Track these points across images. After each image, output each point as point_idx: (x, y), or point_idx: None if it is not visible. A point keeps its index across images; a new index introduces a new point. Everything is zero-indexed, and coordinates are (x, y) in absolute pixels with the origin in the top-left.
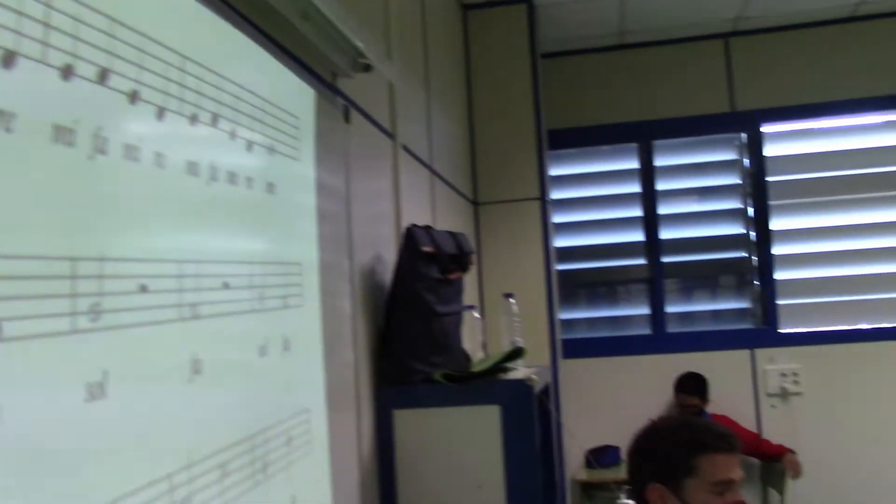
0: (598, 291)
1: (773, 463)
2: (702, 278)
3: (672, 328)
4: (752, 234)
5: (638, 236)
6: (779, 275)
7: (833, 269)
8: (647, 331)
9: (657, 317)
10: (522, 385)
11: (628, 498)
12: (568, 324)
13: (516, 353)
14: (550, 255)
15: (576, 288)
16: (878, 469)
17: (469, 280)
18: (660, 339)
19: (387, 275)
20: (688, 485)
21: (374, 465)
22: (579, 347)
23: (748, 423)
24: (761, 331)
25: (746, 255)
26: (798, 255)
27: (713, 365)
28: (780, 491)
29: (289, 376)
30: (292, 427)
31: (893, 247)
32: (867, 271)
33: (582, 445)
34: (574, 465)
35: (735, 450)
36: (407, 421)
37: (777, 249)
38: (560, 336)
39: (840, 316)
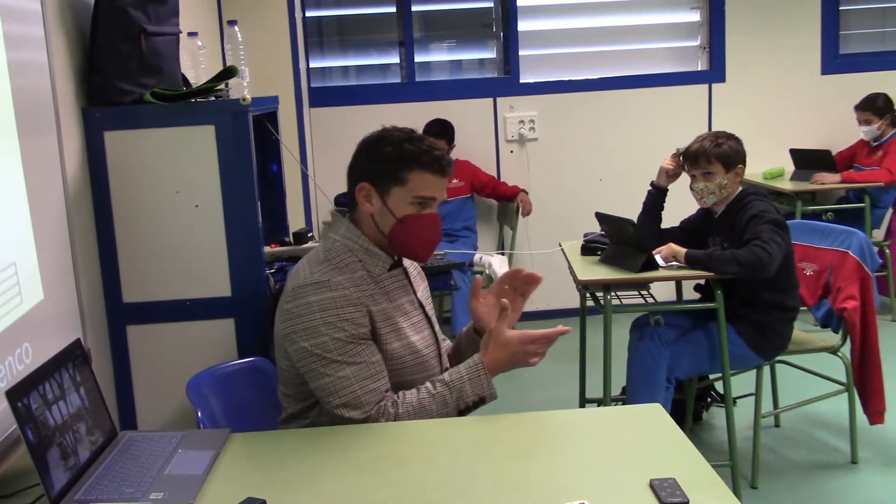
0: (350, 40)
1: (508, 202)
2: (450, 28)
3: (421, 77)
4: None
5: None
6: (522, 26)
7: (571, 20)
8: (397, 79)
9: (407, 66)
10: (237, 104)
11: (345, 194)
12: (320, 72)
13: (228, 73)
14: None
15: (328, 36)
16: (599, 204)
17: (208, 24)
18: (409, 87)
19: None
20: (394, 191)
21: (86, 187)
22: (330, 96)
23: (488, 167)
24: (503, 80)
25: (492, 4)
26: (539, 7)
27: (459, 113)
28: (513, 227)
29: None
30: None
31: (629, 0)
32: (603, 23)
33: (326, 194)
34: (323, 210)
35: (445, 174)
36: (119, 142)
37: (522, 0)
38: (309, 84)
39: (575, 66)
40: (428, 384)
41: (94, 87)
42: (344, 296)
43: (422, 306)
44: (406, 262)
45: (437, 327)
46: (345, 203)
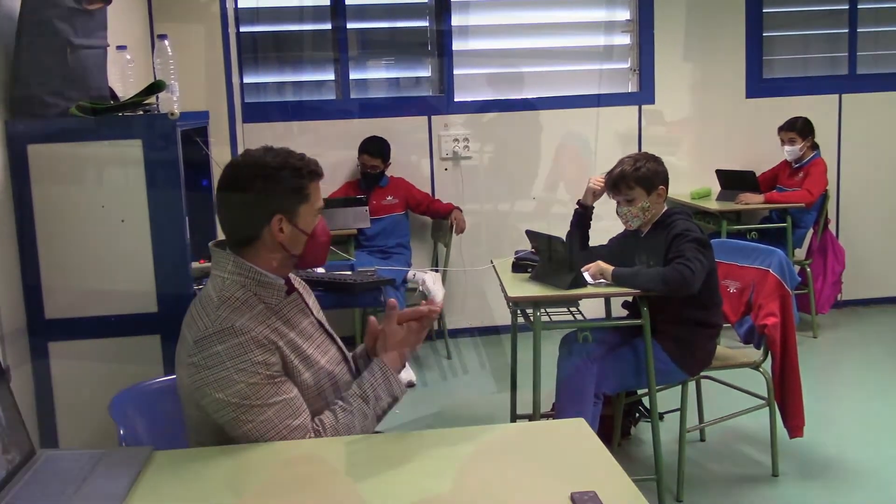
0: (286, 56)
1: (442, 220)
2: (385, 46)
3: (359, 94)
4: (433, 3)
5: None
6: (457, 45)
7: (506, 41)
8: (332, 96)
9: (342, 82)
10: (165, 119)
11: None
12: (255, 88)
13: (155, 87)
14: (228, 12)
15: (263, 52)
16: (532, 222)
17: (139, 38)
18: (344, 104)
19: (16, 1)
20: (301, 210)
21: (7, 200)
22: (264, 111)
23: (423, 185)
24: (437, 98)
25: (427, 24)
26: (475, 27)
27: (394, 130)
28: (447, 244)
29: None
30: None
31: (562, 22)
32: (536, 44)
33: None
34: None
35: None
36: (43, 156)
37: (456, 20)
38: (242, 100)
39: (509, 86)
40: (340, 403)
41: (18, 99)
42: (251, 339)
43: (321, 325)
44: (294, 280)
45: (339, 342)
46: None
